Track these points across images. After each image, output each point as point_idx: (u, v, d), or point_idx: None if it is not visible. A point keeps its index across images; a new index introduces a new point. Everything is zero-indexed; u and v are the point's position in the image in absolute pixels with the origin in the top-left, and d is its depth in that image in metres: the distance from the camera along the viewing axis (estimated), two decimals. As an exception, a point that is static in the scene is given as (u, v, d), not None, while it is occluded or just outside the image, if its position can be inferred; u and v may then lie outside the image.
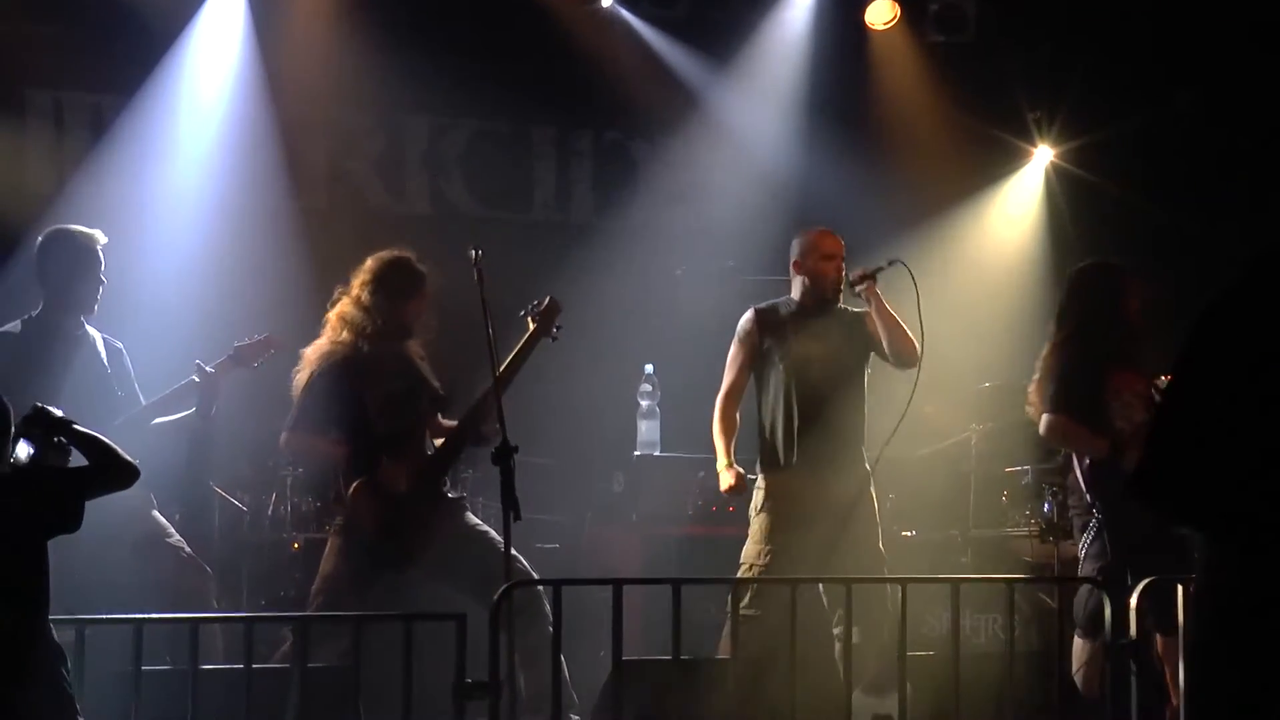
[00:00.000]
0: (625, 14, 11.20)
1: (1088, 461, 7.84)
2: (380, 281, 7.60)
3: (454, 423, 7.64)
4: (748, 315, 8.08)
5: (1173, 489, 3.90)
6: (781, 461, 7.87)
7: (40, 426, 5.45)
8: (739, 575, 7.79)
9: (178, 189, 9.95)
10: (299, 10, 10.52)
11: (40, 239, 7.60)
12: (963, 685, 6.58)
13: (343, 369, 7.50)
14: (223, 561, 9.16)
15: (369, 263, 7.66)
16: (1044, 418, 7.83)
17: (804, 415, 7.85)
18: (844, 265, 8.03)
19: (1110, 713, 7.03)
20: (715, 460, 7.94)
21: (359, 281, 7.63)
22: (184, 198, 9.90)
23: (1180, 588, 7.21)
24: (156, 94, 10.12)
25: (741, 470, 7.88)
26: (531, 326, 7.67)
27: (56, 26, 10.00)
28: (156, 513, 7.62)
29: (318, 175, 10.65)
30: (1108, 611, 7.00)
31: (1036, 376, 7.95)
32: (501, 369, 7.39)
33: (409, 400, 7.55)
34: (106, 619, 5.90)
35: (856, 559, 7.69)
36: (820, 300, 8.01)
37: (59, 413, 5.52)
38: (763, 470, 7.95)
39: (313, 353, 7.59)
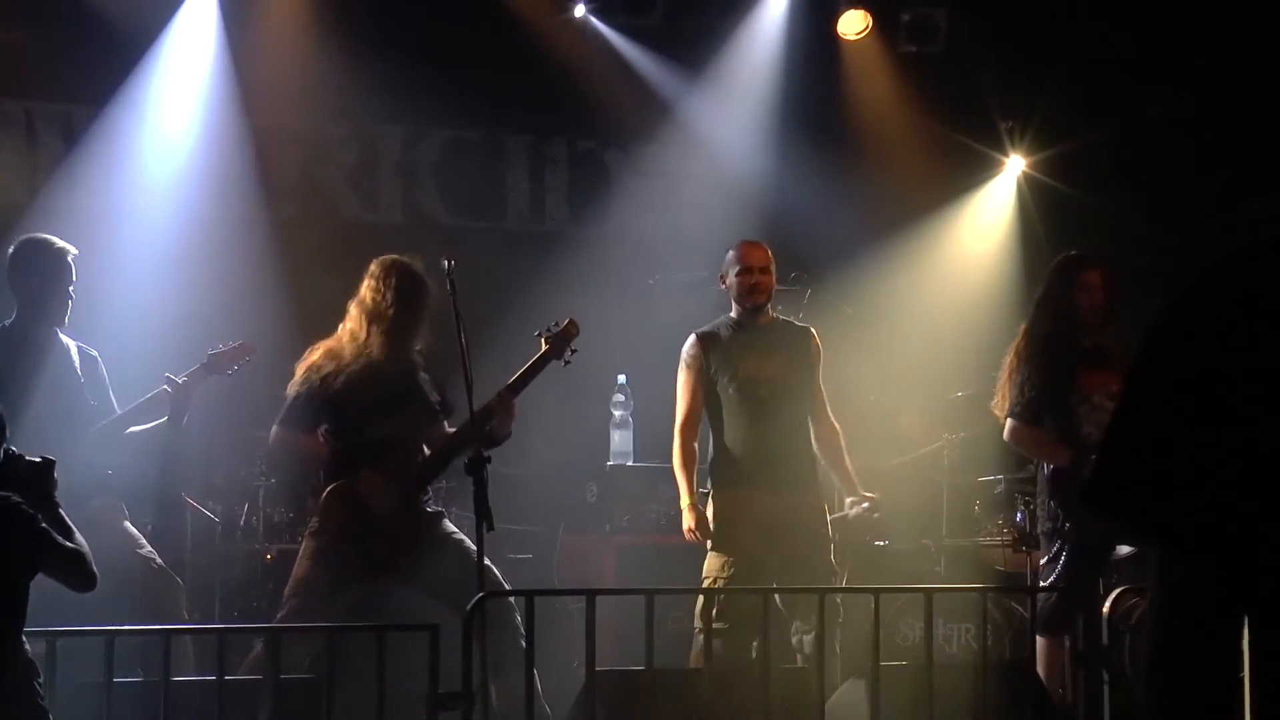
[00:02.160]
0: (598, 23, 11.20)
1: (1050, 467, 7.88)
2: (384, 286, 7.56)
3: (453, 430, 7.61)
4: (691, 340, 8.07)
5: (1125, 501, 3.92)
6: (733, 478, 7.88)
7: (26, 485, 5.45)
8: (700, 588, 7.80)
9: (150, 198, 9.93)
10: (271, 19, 10.50)
11: (12, 249, 7.59)
12: (936, 695, 6.58)
13: (336, 370, 7.47)
14: (195, 572, 9.14)
15: (373, 266, 7.63)
16: (1007, 423, 7.87)
17: (753, 433, 7.86)
18: (767, 279, 8.01)
19: (1079, 718, 7.06)
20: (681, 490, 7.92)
21: (365, 285, 7.60)
22: (156, 207, 9.88)
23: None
24: (128, 103, 10.10)
25: (702, 510, 7.87)
26: (544, 347, 7.61)
27: (27, 35, 9.97)
28: (128, 523, 7.60)
29: (290, 184, 10.64)
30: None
31: (1001, 379, 7.99)
32: (505, 387, 7.42)
33: (400, 407, 7.50)
34: (77, 631, 5.87)
35: (811, 571, 7.71)
36: (748, 313, 8.01)
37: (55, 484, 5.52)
38: (714, 487, 7.95)
39: (313, 351, 7.56)
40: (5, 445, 5.45)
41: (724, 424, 7.93)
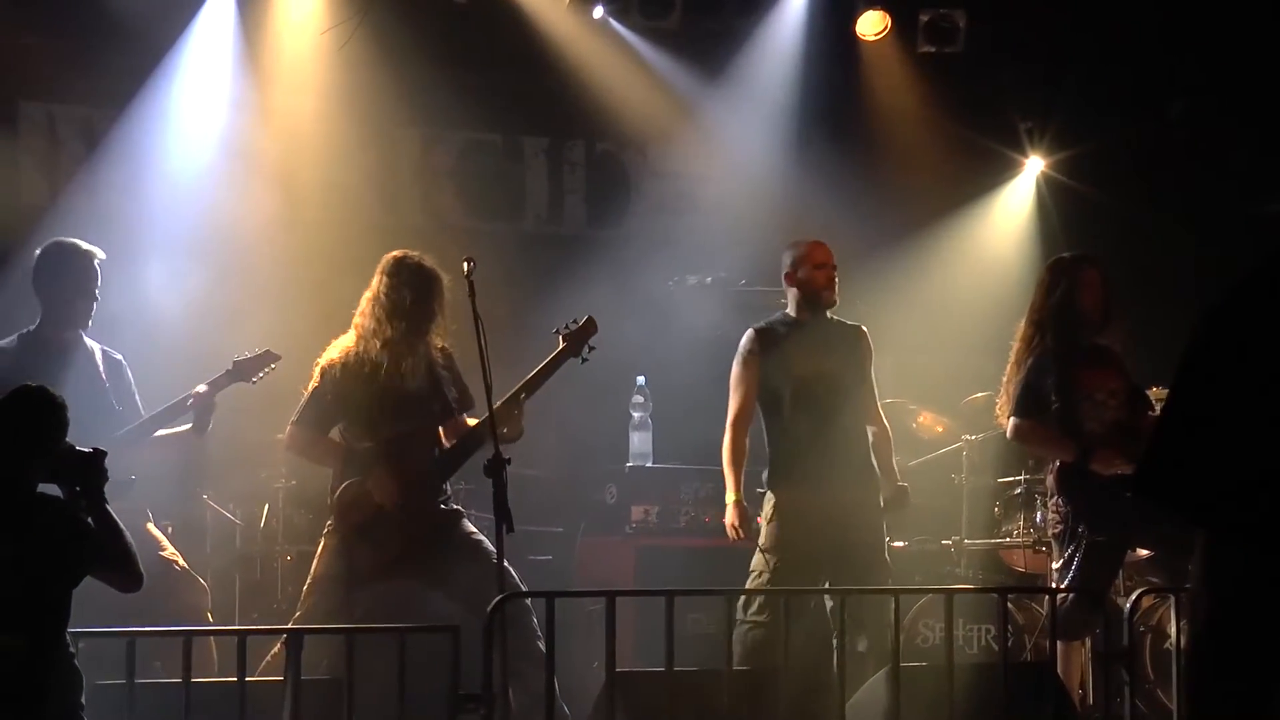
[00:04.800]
0: (617, 25, 11.20)
1: (1057, 465, 7.88)
2: (394, 281, 7.57)
3: (473, 422, 7.61)
4: (748, 335, 8.09)
5: (1177, 483, 3.92)
6: (790, 476, 7.91)
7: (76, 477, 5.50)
8: (749, 584, 7.84)
9: (171, 201, 9.94)
10: (290, 23, 10.51)
11: (38, 252, 7.63)
12: (956, 696, 6.58)
13: (351, 369, 7.49)
14: (215, 574, 9.15)
15: (382, 263, 7.64)
16: (1010, 421, 7.87)
17: (811, 431, 7.89)
18: (835, 276, 8.05)
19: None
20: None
21: (375, 281, 7.61)
22: (177, 210, 9.90)
23: (1173, 599, 7.26)
24: (149, 107, 10.12)
25: (747, 507, 7.90)
26: (561, 345, 7.63)
27: (50, 39, 9.99)
28: (151, 525, 7.63)
29: (310, 187, 10.64)
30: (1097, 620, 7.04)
31: (1006, 379, 7.99)
32: (521, 384, 7.45)
33: (414, 404, 7.52)
34: (100, 632, 5.89)
35: (866, 568, 7.77)
36: (815, 310, 8.04)
37: (105, 476, 5.57)
38: (771, 485, 7.97)
39: (330, 349, 7.58)
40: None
41: (781, 421, 7.96)
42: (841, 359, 8.02)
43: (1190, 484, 3.89)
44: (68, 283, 7.55)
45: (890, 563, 8.09)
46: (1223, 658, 3.88)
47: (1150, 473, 3.97)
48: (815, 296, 8.03)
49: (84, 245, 7.60)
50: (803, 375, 7.93)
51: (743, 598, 7.65)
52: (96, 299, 7.61)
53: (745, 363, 8.04)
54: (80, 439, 5.71)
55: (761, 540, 7.87)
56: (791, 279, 8.11)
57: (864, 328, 8.21)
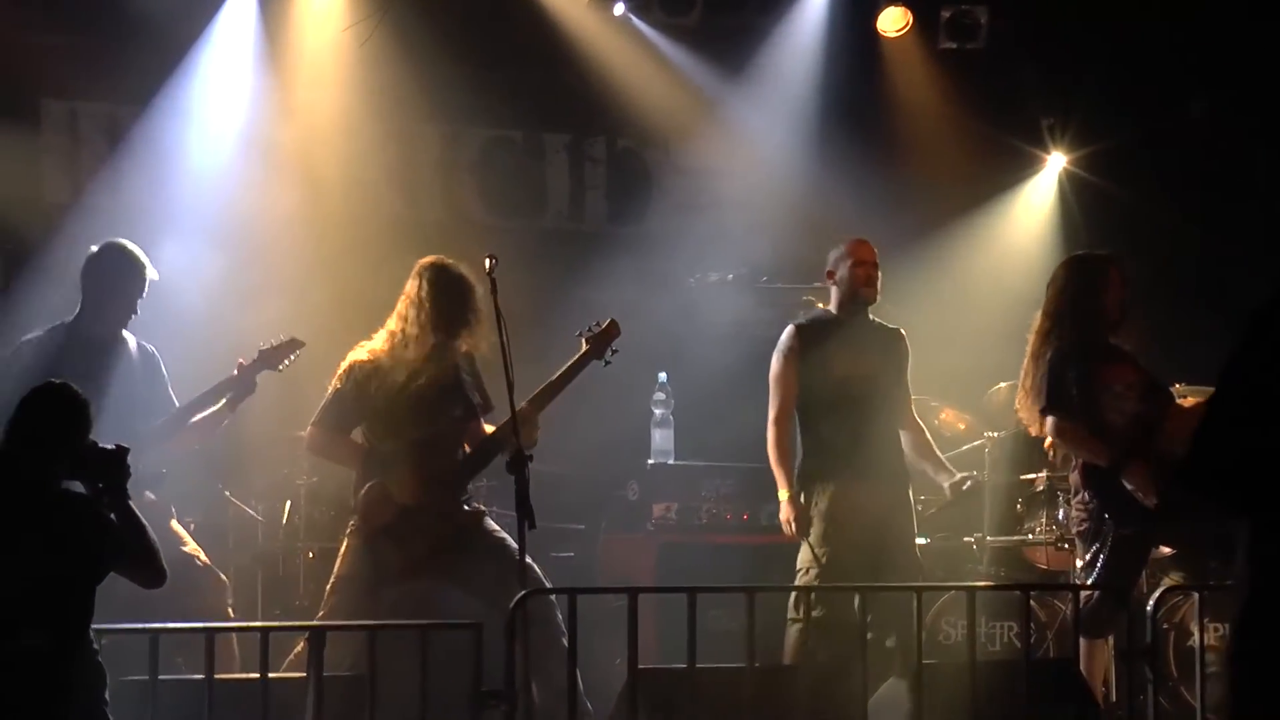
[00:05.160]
0: (638, 21, 11.21)
1: (1081, 460, 7.85)
2: (425, 285, 7.58)
3: (493, 428, 7.62)
4: (789, 331, 8.13)
5: (1223, 478, 3.91)
6: (831, 474, 7.94)
7: (99, 473, 5.52)
8: (797, 580, 7.90)
9: (193, 197, 9.96)
10: (311, 20, 10.52)
11: (96, 248, 7.66)
12: (979, 694, 6.57)
13: (374, 369, 7.50)
14: (237, 571, 9.17)
15: (416, 267, 7.65)
16: (1050, 421, 7.81)
17: (851, 429, 7.93)
18: (878, 275, 8.08)
19: (1123, 718, 7.05)
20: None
21: (408, 285, 7.62)
22: (200, 206, 9.91)
23: (1197, 596, 7.24)
24: (172, 103, 10.14)
25: (802, 504, 7.92)
26: (584, 347, 7.64)
27: (72, 37, 10.01)
28: (174, 522, 7.65)
29: (332, 183, 10.64)
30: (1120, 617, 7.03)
31: (1024, 375, 7.96)
32: (544, 387, 7.48)
33: (438, 408, 7.52)
34: (123, 629, 5.90)
35: (904, 565, 7.86)
36: (856, 308, 8.06)
37: (128, 472, 5.59)
38: (807, 482, 7.98)
39: (357, 350, 7.60)
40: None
41: (818, 419, 7.99)
42: (880, 360, 8.07)
43: (1236, 478, 3.88)
44: (115, 285, 7.60)
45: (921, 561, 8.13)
46: (1267, 655, 3.87)
47: (1196, 466, 3.96)
48: (854, 294, 8.07)
49: (141, 258, 7.65)
50: (841, 375, 7.96)
51: (792, 595, 7.71)
52: (136, 312, 7.66)
53: (786, 358, 8.07)
54: (115, 434, 5.73)
55: (808, 539, 7.90)
56: (832, 276, 8.15)
57: (903, 331, 8.25)
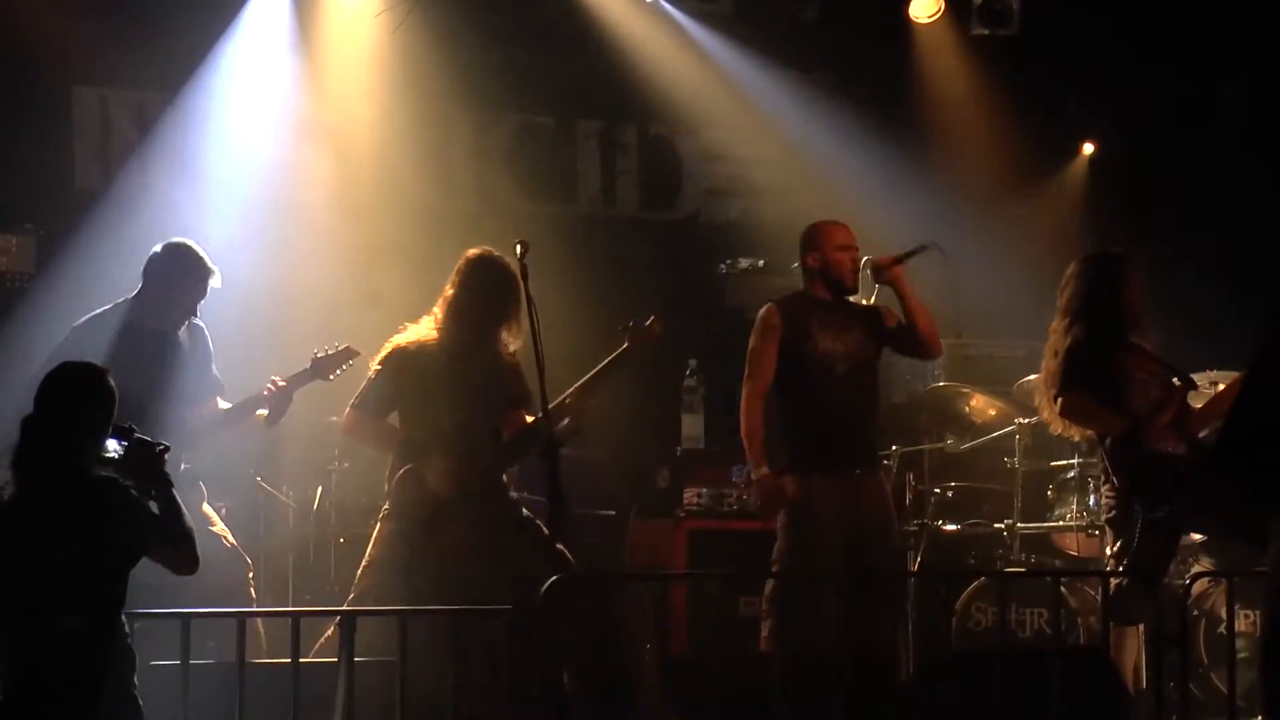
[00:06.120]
0: (669, 8, 11.21)
1: (1109, 442, 7.81)
2: (470, 275, 7.59)
3: (532, 418, 7.61)
4: (768, 308, 7.96)
5: (1253, 467, 3.91)
6: (810, 460, 7.82)
7: (140, 468, 5.54)
8: (772, 572, 7.79)
9: (224, 185, 9.97)
10: (343, 6, 10.54)
11: (167, 243, 7.66)
12: (1009, 680, 6.56)
13: (415, 354, 7.52)
14: (268, 556, 9.20)
15: (461, 260, 7.65)
16: (1060, 398, 7.77)
17: (831, 414, 7.81)
18: (857, 257, 7.98)
19: (1153, 704, 7.03)
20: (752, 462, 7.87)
21: (452, 277, 7.63)
22: (230, 193, 9.92)
23: (1227, 582, 7.21)
24: (202, 90, 10.16)
25: (778, 485, 7.79)
26: (626, 344, 7.62)
27: (102, 24, 10.03)
28: (206, 505, 7.68)
29: (364, 169, 10.66)
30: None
31: (1044, 366, 7.93)
32: (583, 381, 7.49)
33: (475, 397, 7.52)
34: (154, 613, 5.91)
35: (884, 553, 7.76)
36: (837, 293, 7.96)
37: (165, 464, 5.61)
38: (790, 469, 7.91)
39: (399, 335, 7.61)
40: (127, 424, 5.53)
41: (797, 399, 7.87)
42: (861, 341, 7.91)
43: (1266, 467, 3.88)
44: (182, 286, 7.63)
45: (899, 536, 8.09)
46: None
47: (1227, 453, 3.96)
48: (839, 279, 7.95)
49: (207, 264, 7.65)
50: (824, 356, 7.85)
51: (768, 588, 7.63)
52: (195, 314, 7.70)
53: (765, 335, 7.89)
54: (164, 424, 5.73)
55: (782, 529, 7.81)
56: (815, 260, 7.99)
57: (880, 308, 8.11)
